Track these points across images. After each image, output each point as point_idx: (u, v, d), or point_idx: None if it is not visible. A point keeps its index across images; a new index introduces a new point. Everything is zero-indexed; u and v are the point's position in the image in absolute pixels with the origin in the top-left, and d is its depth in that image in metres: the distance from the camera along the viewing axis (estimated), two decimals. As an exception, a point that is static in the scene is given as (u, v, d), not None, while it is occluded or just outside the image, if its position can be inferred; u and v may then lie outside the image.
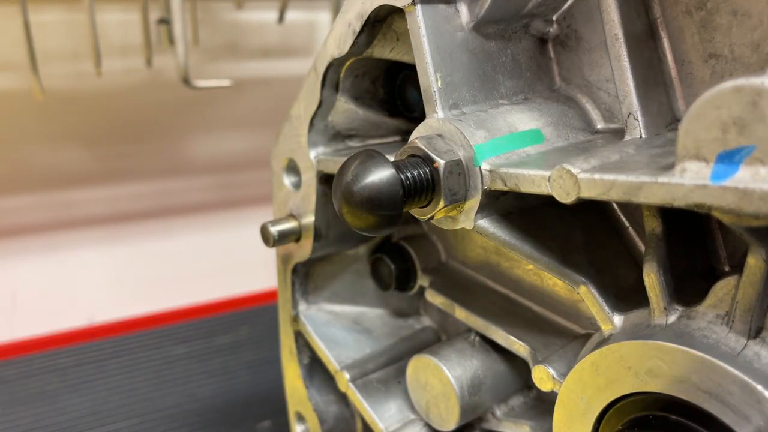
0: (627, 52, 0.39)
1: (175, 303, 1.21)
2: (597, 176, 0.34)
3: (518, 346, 0.48)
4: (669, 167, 0.31)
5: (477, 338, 0.53)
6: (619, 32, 0.39)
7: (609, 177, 0.33)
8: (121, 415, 0.97)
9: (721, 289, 0.36)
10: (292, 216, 0.57)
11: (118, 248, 1.27)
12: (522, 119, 0.42)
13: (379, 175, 0.37)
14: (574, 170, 0.34)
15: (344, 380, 0.57)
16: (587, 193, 0.34)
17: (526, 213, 0.42)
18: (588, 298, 0.41)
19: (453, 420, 0.51)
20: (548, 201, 0.38)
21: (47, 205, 1.19)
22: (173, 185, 1.31)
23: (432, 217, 0.41)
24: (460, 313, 0.53)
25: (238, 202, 1.34)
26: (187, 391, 1.03)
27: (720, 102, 0.29)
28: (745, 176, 0.28)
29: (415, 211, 0.41)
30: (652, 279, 0.38)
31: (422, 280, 0.58)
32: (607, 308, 0.41)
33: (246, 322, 1.16)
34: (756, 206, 0.28)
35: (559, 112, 0.44)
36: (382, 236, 0.60)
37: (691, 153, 0.30)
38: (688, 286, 0.38)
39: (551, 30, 0.46)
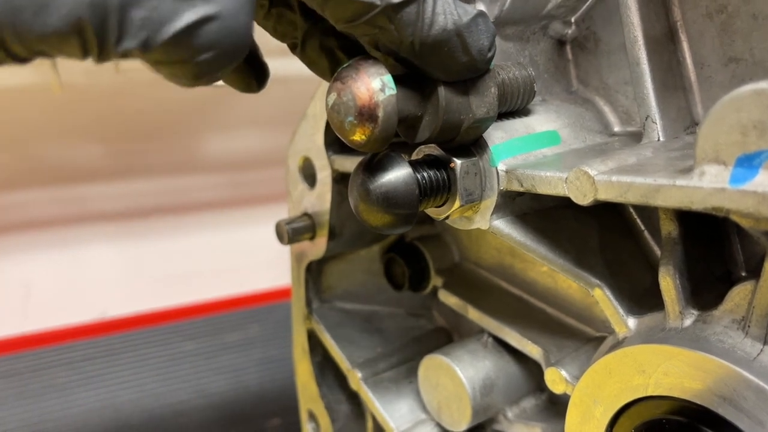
0: (646, 55, 0.39)
1: (186, 299, 1.21)
2: (614, 178, 0.34)
3: (531, 348, 0.48)
4: (687, 170, 0.31)
5: (490, 339, 0.53)
6: (639, 35, 0.39)
7: (626, 179, 0.33)
8: (130, 409, 0.98)
9: (738, 294, 0.35)
10: (306, 215, 0.57)
11: (130, 244, 1.28)
12: (539, 120, 0.42)
13: (396, 173, 0.37)
14: (592, 172, 0.34)
15: (356, 379, 0.57)
16: (604, 195, 0.34)
17: (541, 214, 0.42)
18: (602, 300, 0.41)
19: (465, 421, 0.51)
20: (564, 203, 0.38)
21: (61, 199, 1.20)
22: (186, 182, 1.31)
23: (448, 217, 0.41)
24: (473, 314, 0.53)
25: (250, 201, 1.34)
26: (196, 388, 1.03)
27: (740, 105, 0.29)
28: (765, 180, 0.28)
29: (431, 211, 0.41)
30: (667, 282, 0.38)
31: (435, 281, 0.58)
32: (621, 311, 0.41)
33: (256, 320, 1.17)
34: (776, 210, 0.28)
35: (576, 114, 0.44)
36: (395, 236, 0.60)
37: (710, 156, 0.30)
38: (704, 291, 0.38)
39: (569, 32, 0.46)
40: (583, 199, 0.35)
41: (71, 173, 1.19)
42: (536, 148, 0.41)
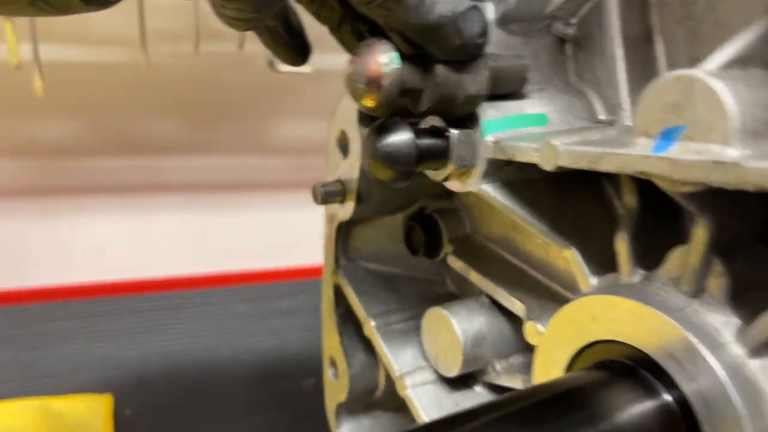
0: (623, 52, 0.46)
1: (243, 267, 1.32)
2: (572, 148, 0.41)
3: (517, 306, 0.55)
4: (627, 143, 0.38)
5: (486, 300, 0.60)
6: (617, 35, 0.46)
7: (580, 149, 0.40)
8: (182, 357, 1.10)
9: (675, 256, 0.42)
10: (339, 181, 0.66)
11: (198, 214, 1.41)
12: (532, 104, 0.49)
13: (399, 136, 0.45)
14: (556, 143, 0.42)
15: (370, 327, 0.66)
16: (564, 162, 0.41)
17: (527, 185, 0.49)
18: (572, 261, 0.48)
19: (456, 367, 0.58)
20: (548, 176, 0.45)
21: (140, 169, 1.34)
22: (253, 162, 1.43)
23: (447, 179, 0.49)
24: (474, 276, 0.60)
25: (307, 184, 1.44)
26: (243, 345, 1.14)
27: (664, 89, 0.35)
28: (677, 149, 0.35)
29: (431, 173, 0.49)
30: (622, 245, 0.44)
31: (447, 248, 0.65)
32: (586, 271, 0.47)
33: (304, 290, 1.27)
34: (681, 173, 0.34)
35: (567, 102, 0.51)
36: (417, 206, 0.68)
37: (641, 131, 0.37)
38: (654, 255, 0.44)
39: (570, 32, 0.52)
40: (547, 164, 0.42)
41: (150, 146, 1.32)
42: (524, 126, 0.48)
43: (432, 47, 0.43)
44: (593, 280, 0.47)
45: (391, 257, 0.71)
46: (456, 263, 0.63)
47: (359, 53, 0.43)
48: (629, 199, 0.45)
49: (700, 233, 0.39)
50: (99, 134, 1.29)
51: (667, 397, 0.40)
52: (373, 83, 0.42)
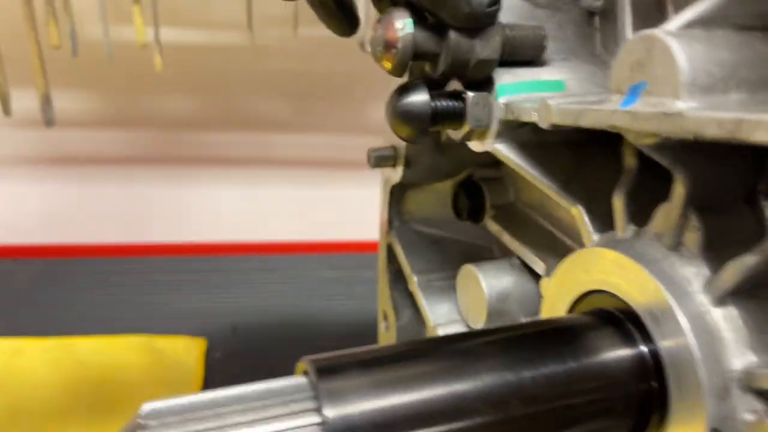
0: (631, 20, 0.48)
1: (335, 238, 1.42)
2: (563, 106, 0.44)
3: (538, 265, 0.59)
4: (606, 100, 0.41)
5: (517, 261, 0.64)
6: (627, 2, 0.48)
7: (568, 107, 0.43)
8: (272, 313, 1.20)
9: (660, 212, 0.44)
10: (392, 146, 0.72)
11: (301, 188, 1.52)
12: (550, 72, 0.53)
13: (416, 97, 0.50)
14: (551, 102, 0.45)
15: (413, 282, 0.71)
16: (556, 119, 0.45)
17: (542, 146, 0.53)
18: (578, 218, 0.51)
19: (482, 319, 0.63)
20: (566, 141, 0.48)
21: (250, 143, 1.47)
22: (351, 142, 1.52)
23: (467, 138, 0.54)
24: (506, 238, 0.64)
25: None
26: (329, 307, 1.23)
27: (632, 48, 0.38)
28: (639, 104, 0.38)
29: (450, 132, 0.54)
30: (618, 203, 0.47)
31: (489, 213, 0.69)
32: (590, 228, 0.50)
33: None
34: (639, 125, 0.37)
35: (589, 71, 0.54)
36: (465, 173, 0.73)
37: (615, 88, 0.40)
38: (647, 214, 0.47)
39: (599, 4, 0.55)
40: (543, 122, 0.46)
41: (259, 122, 1.45)
42: (539, 91, 0.52)
43: (444, 14, 0.47)
44: (595, 236, 0.50)
45: (441, 221, 0.76)
46: (493, 226, 0.67)
47: (380, 20, 0.48)
48: (629, 160, 0.47)
49: (679, 189, 0.41)
50: (215, 111, 1.43)
51: (643, 348, 0.43)
52: (389, 46, 0.47)
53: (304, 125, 1.47)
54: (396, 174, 0.72)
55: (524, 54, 0.52)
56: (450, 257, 0.74)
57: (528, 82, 0.51)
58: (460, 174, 0.73)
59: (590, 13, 0.56)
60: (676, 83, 0.35)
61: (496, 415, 0.40)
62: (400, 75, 0.50)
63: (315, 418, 0.37)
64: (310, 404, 0.37)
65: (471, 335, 0.46)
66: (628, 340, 0.44)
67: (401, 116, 0.50)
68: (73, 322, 1.11)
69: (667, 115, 0.35)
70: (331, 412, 0.37)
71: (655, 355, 0.42)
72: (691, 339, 0.39)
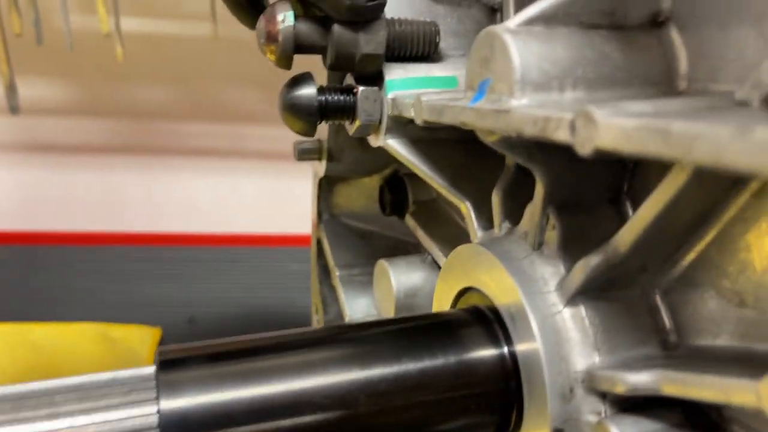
0: (514, 13, 0.47)
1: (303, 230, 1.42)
2: (430, 104, 0.44)
3: (442, 261, 0.58)
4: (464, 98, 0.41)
5: (429, 258, 0.64)
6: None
7: (433, 104, 0.43)
8: (231, 304, 1.21)
9: (527, 211, 0.43)
10: (319, 140, 0.72)
11: (272, 180, 1.52)
12: (444, 68, 0.52)
13: (303, 91, 0.50)
14: (423, 99, 0.45)
15: (335, 276, 0.71)
16: (425, 116, 0.44)
17: (433, 143, 0.53)
18: (466, 214, 0.51)
19: (390, 314, 0.63)
20: (460, 138, 0.48)
21: (220, 135, 1.47)
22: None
23: (363, 133, 0.53)
24: (419, 234, 0.64)
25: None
26: (289, 298, 1.24)
27: (480, 44, 0.38)
28: (483, 101, 0.37)
29: (346, 127, 0.54)
30: (496, 201, 0.47)
31: (411, 209, 0.69)
32: (476, 225, 0.50)
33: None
34: (481, 122, 0.37)
35: (486, 67, 0.53)
36: (392, 169, 0.72)
37: (468, 84, 0.39)
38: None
39: (498, 0, 0.54)
40: (417, 118, 0.46)
41: (232, 113, 1.45)
42: (430, 87, 0.51)
43: (325, 6, 0.47)
44: (479, 233, 0.50)
45: (370, 216, 0.76)
46: (409, 222, 0.66)
47: (264, 13, 0.48)
48: (508, 158, 0.47)
49: (539, 187, 0.41)
50: (186, 101, 1.44)
51: (504, 349, 0.42)
52: (271, 38, 0.47)
53: (276, 117, 1.47)
54: (321, 167, 0.72)
55: (416, 49, 0.51)
56: (376, 252, 0.74)
57: (418, 78, 0.51)
58: (386, 169, 0.73)
59: (492, 9, 0.55)
60: (511, 80, 0.35)
61: (344, 411, 0.40)
62: (286, 67, 0.49)
63: (151, 409, 0.37)
64: (151, 395, 0.38)
65: (344, 328, 0.46)
66: (493, 340, 0.43)
67: (289, 109, 0.50)
68: (31, 308, 1.12)
69: (497, 112, 0.35)
70: (166, 403, 0.37)
71: (513, 355, 0.42)
72: (538, 340, 0.39)
